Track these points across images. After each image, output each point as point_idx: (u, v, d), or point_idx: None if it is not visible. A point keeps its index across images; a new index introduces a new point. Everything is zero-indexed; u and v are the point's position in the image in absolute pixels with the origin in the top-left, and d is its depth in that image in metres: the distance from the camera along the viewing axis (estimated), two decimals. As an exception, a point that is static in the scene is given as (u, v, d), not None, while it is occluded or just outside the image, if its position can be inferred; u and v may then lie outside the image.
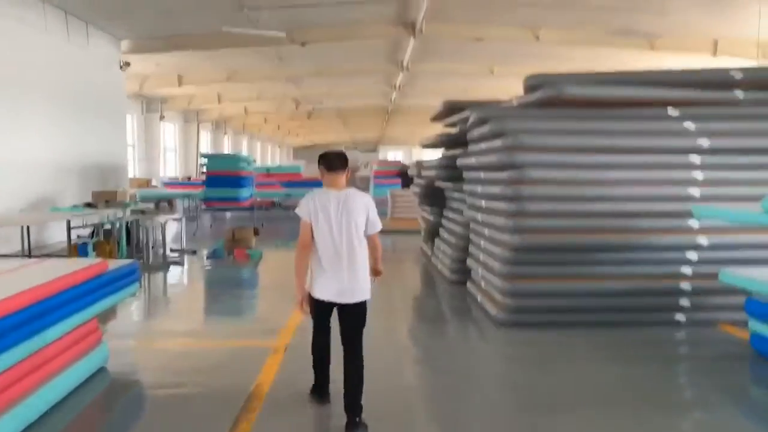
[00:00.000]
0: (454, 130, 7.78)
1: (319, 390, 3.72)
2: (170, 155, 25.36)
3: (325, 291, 3.43)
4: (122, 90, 14.81)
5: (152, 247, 9.52)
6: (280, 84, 20.71)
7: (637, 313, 5.08)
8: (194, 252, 10.13)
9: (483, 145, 5.48)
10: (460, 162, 6.17)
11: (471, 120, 5.71)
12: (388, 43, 16.26)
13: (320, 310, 3.52)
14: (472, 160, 5.70)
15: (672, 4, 11.63)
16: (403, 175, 18.37)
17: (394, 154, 53.16)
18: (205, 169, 13.13)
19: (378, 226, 3.50)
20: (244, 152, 35.39)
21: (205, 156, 14.11)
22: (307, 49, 14.93)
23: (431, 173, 7.74)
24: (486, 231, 5.50)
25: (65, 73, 11.69)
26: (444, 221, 7.84)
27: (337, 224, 3.41)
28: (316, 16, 13.24)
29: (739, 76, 4.73)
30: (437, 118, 7.81)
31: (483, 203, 5.54)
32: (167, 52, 14.76)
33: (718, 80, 4.93)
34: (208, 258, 9.52)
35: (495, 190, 5.17)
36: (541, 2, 12.24)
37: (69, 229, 8.98)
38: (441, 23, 14.01)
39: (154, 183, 20.52)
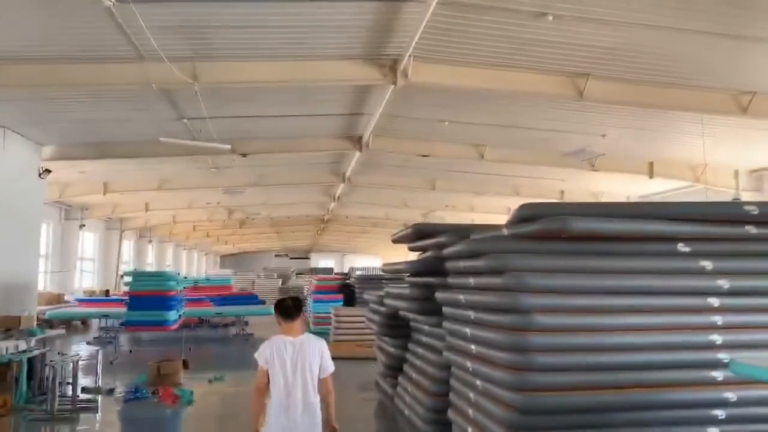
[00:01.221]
0: (419, 255, 7.11)
1: None
2: (87, 265, 23.38)
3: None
4: (39, 199, 13.42)
5: (59, 385, 7.99)
6: (214, 193, 19.83)
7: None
8: (111, 391, 8.58)
9: (472, 281, 4.77)
10: (440, 297, 5.42)
11: (455, 249, 5.04)
12: (332, 155, 15.93)
13: None
14: (459, 297, 4.95)
15: (611, 128, 11.93)
16: (346, 290, 17.43)
17: (326, 262, 52.15)
18: (128, 289, 11.71)
19: (330, 369, 3.78)
20: (169, 260, 33.50)
21: (128, 274, 12.70)
22: (247, 159, 14.31)
23: (396, 302, 6.93)
24: (478, 383, 4.66)
25: (-28, 181, 10.39)
26: (410, 357, 6.94)
27: (292, 369, 3.66)
28: (260, 128, 12.74)
29: (754, 211, 4.35)
30: (402, 240, 7.14)
31: (473, 348, 4.74)
32: (94, 160, 13.72)
33: (730, 214, 4.53)
34: (127, 400, 8.04)
35: (492, 335, 4.40)
36: (488, 122, 12.30)
37: (-46, 369, 7.40)
38: (388, 138, 13.84)
39: (67, 298, 18.52)
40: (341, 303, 16.59)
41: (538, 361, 4.10)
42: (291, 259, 50.24)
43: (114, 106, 10.57)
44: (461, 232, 5.68)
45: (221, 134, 11.61)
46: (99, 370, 9.15)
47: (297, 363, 3.67)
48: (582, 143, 12.45)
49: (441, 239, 5.85)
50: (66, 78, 8.56)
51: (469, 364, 4.80)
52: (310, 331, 4.00)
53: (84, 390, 8.46)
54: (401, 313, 7.02)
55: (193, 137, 11.66)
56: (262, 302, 19.62)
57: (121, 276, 16.05)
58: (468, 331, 4.82)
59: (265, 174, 17.81)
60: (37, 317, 14.09)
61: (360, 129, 13.22)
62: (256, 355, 3.78)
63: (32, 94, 9.63)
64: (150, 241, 29.55)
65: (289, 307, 3.83)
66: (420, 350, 6.52)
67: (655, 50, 8.35)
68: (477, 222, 23.01)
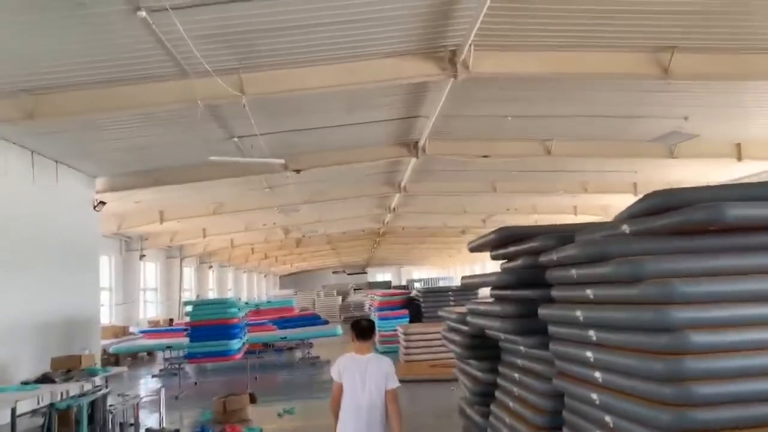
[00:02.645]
0: (502, 265, 6.22)
1: None
2: (150, 295, 23.43)
3: None
4: (96, 232, 13.26)
5: (122, 427, 7.50)
6: (269, 213, 19.45)
7: None
8: (176, 432, 8.04)
9: (590, 293, 3.87)
10: (545, 313, 4.52)
11: (564, 255, 4.15)
12: (386, 165, 15.19)
13: None
14: (574, 314, 4.05)
15: (694, 108, 10.75)
16: (411, 305, 16.61)
17: (383, 275, 51.41)
18: (189, 319, 11.25)
19: (394, 384, 4.21)
20: (230, 285, 33.53)
21: (189, 303, 12.27)
22: (299, 176, 13.77)
23: (483, 321, 6.05)
24: (608, 419, 3.73)
25: (28, 218, 10.15)
26: (503, 382, 6.02)
27: (360, 384, 4.13)
28: (311, 141, 12.14)
29: None
30: (482, 248, 6.25)
31: (598, 376, 3.82)
32: (148, 188, 13.45)
33: None
34: (194, 442, 7.47)
35: (628, 361, 3.48)
36: (556, 113, 11.29)
37: (14, 418, 6.92)
38: (445, 141, 13.00)
39: (132, 329, 18.44)
40: (407, 319, 15.78)
41: (697, 393, 3.13)
42: (348, 274, 49.92)
43: (162, 130, 10.19)
44: (560, 234, 4.77)
45: (272, 150, 11.09)
46: (162, 406, 8.62)
47: (365, 379, 4.12)
48: (664, 128, 11.28)
49: (535, 243, 4.95)
50: (110, 102, 8.17)
51: (594, 395, 3.87)
52: (377, 351, 4.45)
53: (148, 431, 7.93)
54: (488, 332, 6.12)
55: (243, 156, 11.17)
56: (325, 322, 19.02)
57: (184, 304, 15.74)
58: (590, 354, 3.89)
59: (319, 190, 17.29)
60: (104, 351, 13.89)
61: (416, 133, 12.47)
62: (331, 370, 4.29)
63: (79, 123, 9.32)
64: (210, 267, 29.57)
65: (364, 329, 4.30)
66: (516, 375, 5.59)
67: (753, 9, 7.23)
68: (540, 224, 21.83)
